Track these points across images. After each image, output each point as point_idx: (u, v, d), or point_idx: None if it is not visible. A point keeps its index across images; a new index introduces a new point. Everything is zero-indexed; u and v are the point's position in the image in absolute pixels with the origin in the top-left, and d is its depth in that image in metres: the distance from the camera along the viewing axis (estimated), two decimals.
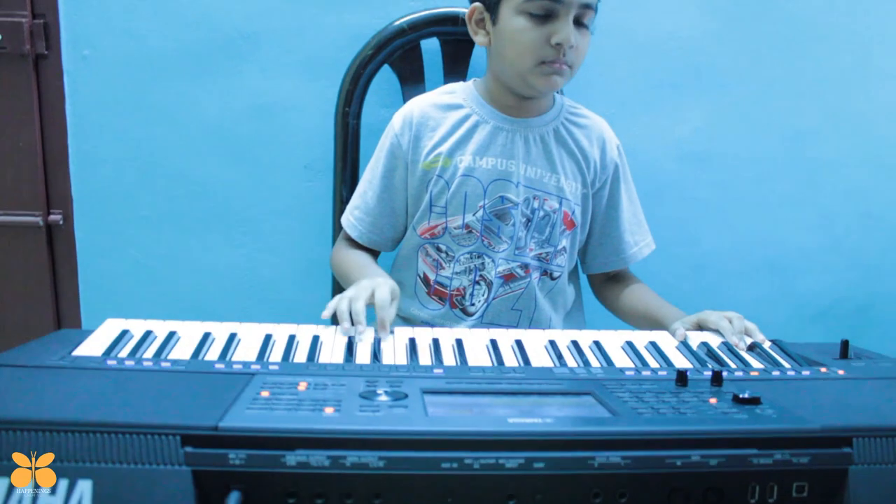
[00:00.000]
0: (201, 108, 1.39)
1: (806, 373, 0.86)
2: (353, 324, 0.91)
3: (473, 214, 1.14)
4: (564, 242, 1.18)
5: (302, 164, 1.43)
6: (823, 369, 0.88)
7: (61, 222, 1.42)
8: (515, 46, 1.08)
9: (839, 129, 1.51)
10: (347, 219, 1.22)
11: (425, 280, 1.20)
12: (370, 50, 1.30)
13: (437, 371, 0.78)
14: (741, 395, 0.73)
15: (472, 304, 1.17)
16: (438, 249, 1.17)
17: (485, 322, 1.16)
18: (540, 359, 0.88)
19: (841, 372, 0.87)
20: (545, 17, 1.06)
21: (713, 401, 0.73)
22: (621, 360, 0.90)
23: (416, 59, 1.33)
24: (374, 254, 1.24)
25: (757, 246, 1.56)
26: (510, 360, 0.87)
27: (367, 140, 1.35)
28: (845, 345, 0.96)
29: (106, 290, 1.46)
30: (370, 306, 0.95)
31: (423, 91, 1.35)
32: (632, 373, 0.83)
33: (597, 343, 0.94)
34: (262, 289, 1.47)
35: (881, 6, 1.46)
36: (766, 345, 0.98)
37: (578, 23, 1.08)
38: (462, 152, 1.15)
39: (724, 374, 0.80)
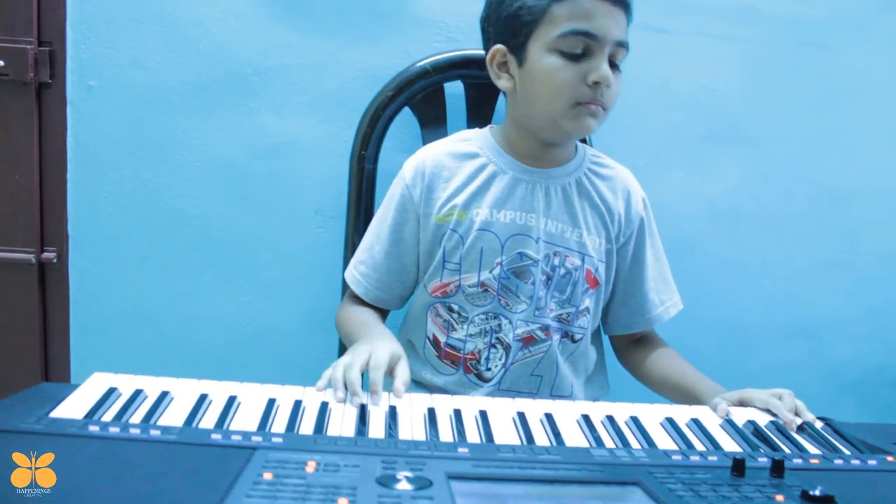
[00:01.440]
0: (209, 146, 1.32)
1: (872, 462, 0.77)
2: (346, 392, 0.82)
3: (490, 272, 1.06)
4: (588, 302, 1.09)
5: (313, 209, 1.35)
6: (890, 458, 0.79)
7: (55, 260, 1.34)
8: (548, 86, 1.01)
9: (879, 191, 1.44)
10: (352, 274, 1.13)
11: (435, 342, 1.11)
12: (391, 91, 1.23)
13: (462, 450, 0.69)
14: (811, 493, 0.64)
15: (489, 370, 1.07)
16: (450, 309, 1.08)
17: (503, 389, 1.07)
18: (573, 436, 0.79)
19: None
20: (580, 55, 0.99)
21: (780, 498, 0.64)
22: (663, 441, 0.80)
23: (439, 102, 1.27)
24: (383, 312, 1.15)
25: (789, 310, 1.48)
26: (540, 437, 0.78)
27: (383, 186, 1.27)
28: None
29: (98, 335, 1.37)
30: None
31: (445, 135, 1.28)
32: (679, 457, 0.73)
33: (634, 419, 0.85)
34: (264, 340, 1.38)
35: None
36: (818, 425, 0.89)
37: (611, 63, 1.01)
38: (478, 205, 1.07)
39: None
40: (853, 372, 1.52)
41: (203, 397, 0.78)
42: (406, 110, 1.26)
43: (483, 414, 0.81)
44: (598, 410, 0.87)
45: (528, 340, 1.07)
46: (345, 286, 1.26)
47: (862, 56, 1.39)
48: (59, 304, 1.35)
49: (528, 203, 1.07)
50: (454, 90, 1.28)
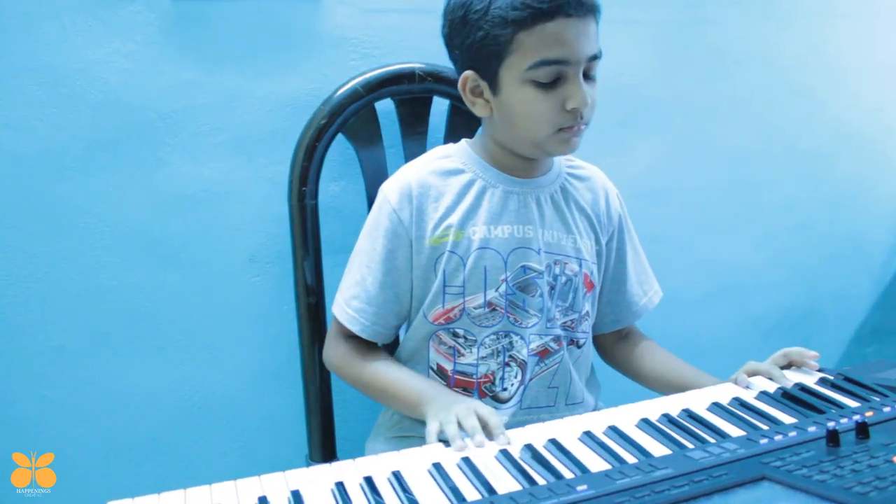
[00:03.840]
0: (117, 208, 1.16)
1: None
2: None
3: (496, 290, 1.02)
4: (587, 306, 1.09)
5: (246, 256, 1.23)
6: None
7: None
8: (527, 118, 0.98)
9: (773, 149, 1.56)
10: (345, 311, 1.05)
11: (440, 371, 1.05)
12: (323, 119, 1.14)
13: (581, 487, 0.65)
14: None
15: (505, 390, 1.03)
16: (455, 335, 1.03)
17: (524, 407, 1.04)
18: (651, 445, 0.77)
19: None
20: (554, 82, 0.96)
21: None
22: (732, 430, 0.80)
23: (373, 122, 1.20)
24: (374, 346, 1.08)
25: (710, 273, 1.57)
26: (624, 454, 0.76)
27: (326, 219, 1.20)
28: None
29: (12, 443, 1.16)
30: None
31: (383, 158, 1.22)
32: (765, 440, 0.74)
33: (667, 416, 0.84)
34: (214, 409, 1.25)
35: (792, 30, 1.53)
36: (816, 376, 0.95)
37: (588, 76, 0.99)
38: (474, 222, 1.02)
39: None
40: (770, 318, 1.64)
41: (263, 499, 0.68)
42: (339, 136, 1.18)
43: (555, 443, 0.78)
44: (635, 414, 0.85)
45: (543, 354, 1.04)
46: (302, 331, 1.18)
47: (742, 24, 1.49)
48: None
49: (523, 215, 1.03)
50: (384, 108, 1.22)
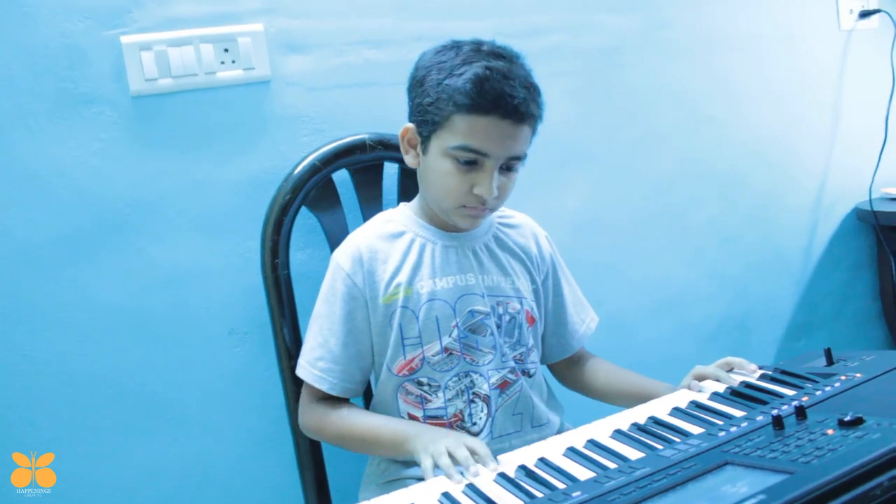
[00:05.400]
0: (96, 296, 1.22)
1: (837, 384, 0.95)
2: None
3: (450, 336, 1.11)
4: (531, 339, 1.19)
5: (225, 330, 1.30)
6: (843, 377, 0.97)
7: None
8: (439, 186, 1.09)
9: (690, 172, 1.71)
10: (311, 373, 1.12)
11: (412, 420, 1.13)
12: (287, 194, 1.24)
13: (576, 493, 0.75)
14: (845, 419, 0.79)
15: (475, 424, 1.12)
16: (419, 384, 1.12)
17: (494, 437, 1.13)
18: (627, 451, 0.88)
19: (858, 375, 0.97)
20: (471, 164, 1.06)
21: (830, 431, 0.78)
22: (693, 429, 0.91)
23: (332, 192, 1.29)
24: (345, 402, 1.16)
25: (650, 290, 1.70)
26: (606, 462, 0.86)
27: (299, 287, 1.28)
28: (829, 352, 1.08)
29: None
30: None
31: (345, 223, 1.31)
32: (722, 433, 0.85)
33: (637, 425, 0.95)
34: (213, 478, 1.30)
35: (695, 66, 1.70)
36: (756, 374, 1.07)
37: (506, 168, 1.09)
38: (420, 277, 1.12)
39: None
40: (708, 326, 1.78)
41: None
42: (302, 209, 1.27)
43: (544, 461, 0.87)
44: (609, 427, 0.95)
45: (503, 386, 1.14)
46: (288, 395, 1.24)
47: (651, 66, 1.65)
48: None
49: (464, 265, 1.14)
50: (340, 178, 1.32)
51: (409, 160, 1.14)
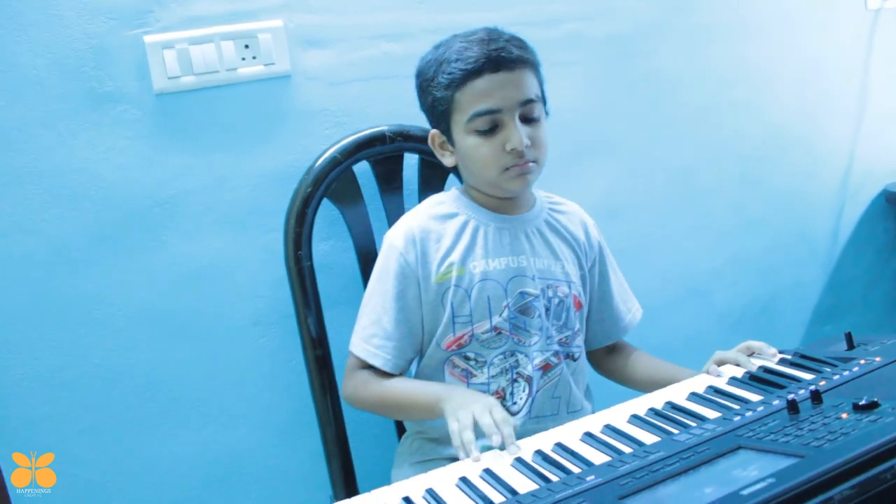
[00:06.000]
0: (126, 292, 1.26)
1: (856, 369, 0.95)
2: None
3: (500, 315, 1.14)
4: (578, 324, 1.21)
5: (250, 322, 1.33)
6: (863, 361, 0.97)
7: None
8: (477, 163, 1.13)
9: (714, 157, 1.70)
10: (366, 349, 1.15)
11: (448, 384, 1.16)
12: (308, 187, 1.26)
13: (590, 478, 0.76)
14: (860, 403, 0.79)
15: (515, 403, 1.15)
16: (466, 358, 1.14)
17: (532, 417, 1.15)
18: (643, 436, 0.89)
19: (878, 359, 0.96)
20: (492, 129, 1.11)
21: (844, 416, 0.78)
22: (709, 413, 0.92)
23: (353, 184, 1.31)
24: (388, 374, 1.17)
25: (675, 277, 1.69)
26: (621, 446, 0.87)
27: (322, 278, 1.30)
28: (849, 336, 1.07)
29: None
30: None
31: (366, 215, 1.33)
32: (738, 418, 0.86)
33: (654, 410, 0.96)
34: (240, 467, 1.33)
35: (717, 49, 1.68)
36: (776, 358, 1.07)
37: (528, 119, 1.12)
38: (473, 258, 1.15)
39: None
40: (734, 312, 1.78)
41: None
42: (324, 201, 1.29)
43: (561, 446, 0.88)
44: (626, 412, 0.97)
45: (545, 368, 1.16)
46: (313, 384, 1.27)
47: (672, 51, 1.64)
48: None
49: (516, 247, 1.17)
50: (361, 169, 1.34)
51: (447, 161, 1.19)
